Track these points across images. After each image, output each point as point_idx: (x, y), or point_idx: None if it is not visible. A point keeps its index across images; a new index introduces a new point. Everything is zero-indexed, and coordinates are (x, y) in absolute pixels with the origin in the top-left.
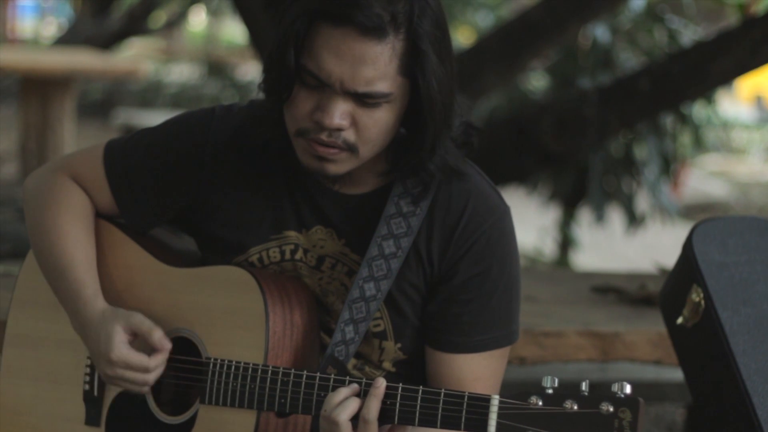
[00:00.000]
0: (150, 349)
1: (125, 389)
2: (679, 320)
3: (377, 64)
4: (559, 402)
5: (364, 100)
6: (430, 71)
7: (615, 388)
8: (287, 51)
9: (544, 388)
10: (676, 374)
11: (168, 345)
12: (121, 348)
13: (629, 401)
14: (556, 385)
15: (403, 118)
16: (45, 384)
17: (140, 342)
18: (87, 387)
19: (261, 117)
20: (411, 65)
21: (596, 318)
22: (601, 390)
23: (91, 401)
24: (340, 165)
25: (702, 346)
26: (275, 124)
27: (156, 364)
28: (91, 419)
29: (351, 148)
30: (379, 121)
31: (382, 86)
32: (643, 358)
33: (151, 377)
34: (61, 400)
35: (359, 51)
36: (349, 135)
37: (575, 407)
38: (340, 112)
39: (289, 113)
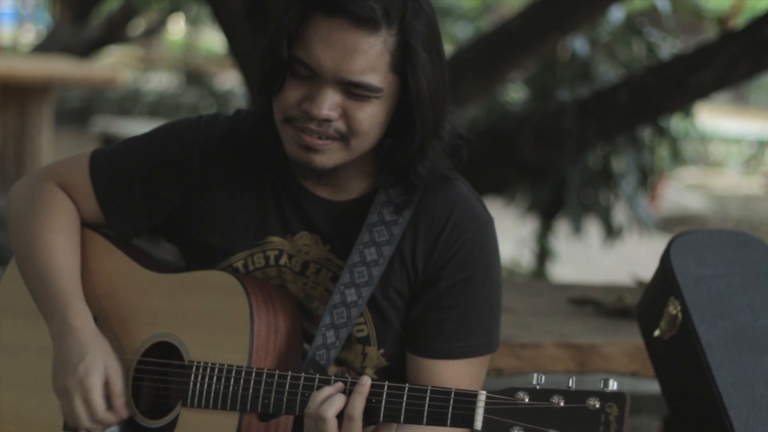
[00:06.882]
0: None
1: (63, 411)
2: (656, 333)
3: (368, 55)
4: (546, 398)
5: (354, 91)
6: (420, 69)
7: (602, 383)
8: (280, 42)
9: (531, 385)
10: (653, 386)
11: (124, 415)
12: (97, 380)
13: (616, 396)
14: (543, 382)
15: (393, 120)
16: (24, 391)
17: (104, 390)
18: None
19: (253, 114)
20: (401, 62)
21: (573, 330)
22: (588, 386)
23: None
24: (328, 156)
25: (679, 358)
26: (266, 121)
27: (103, 419)
28: (69, 425)
29: (343, 137)
30: (371, 115)
31: (373, 79)
32: (620, 370)
33: (89, 424)
34: (39, 406)
35: (351, 41)
36: (340, 125)
37: (562, 403)
38: (329, 103)
39: (277, 103)
